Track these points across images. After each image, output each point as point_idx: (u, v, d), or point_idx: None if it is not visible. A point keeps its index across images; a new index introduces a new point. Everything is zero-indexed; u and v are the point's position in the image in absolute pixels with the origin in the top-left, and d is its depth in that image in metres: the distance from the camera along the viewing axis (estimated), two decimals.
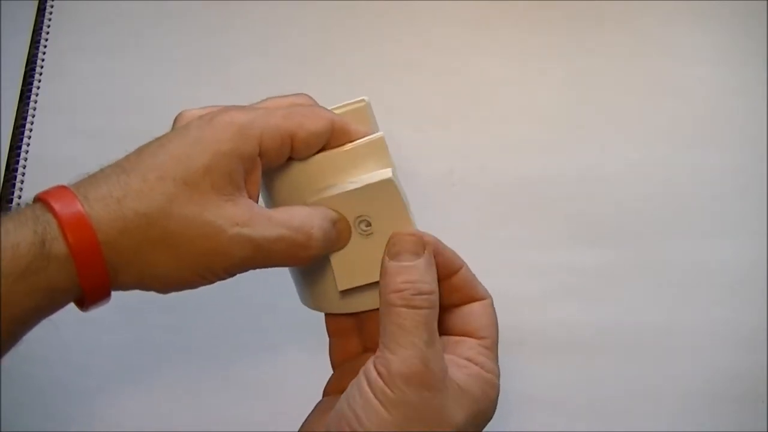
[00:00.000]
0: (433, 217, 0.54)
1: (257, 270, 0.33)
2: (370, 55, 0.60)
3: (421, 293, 0.31)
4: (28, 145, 0.57)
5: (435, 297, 0.32)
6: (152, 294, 0.51)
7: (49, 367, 0.50)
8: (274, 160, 0.33)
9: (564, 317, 0.51)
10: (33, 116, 0.58)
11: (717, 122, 0.57)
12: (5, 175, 0.56)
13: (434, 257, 0.34)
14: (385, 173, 0.32)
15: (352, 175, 0.33)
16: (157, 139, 0.31)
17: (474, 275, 0.35)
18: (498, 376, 0.33)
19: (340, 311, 0.36)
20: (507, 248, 0.53)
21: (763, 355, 0.50)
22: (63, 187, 0.29)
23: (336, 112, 0.35)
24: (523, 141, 0.57)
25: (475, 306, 0.34)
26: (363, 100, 0.36)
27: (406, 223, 0.33)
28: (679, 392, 0.50)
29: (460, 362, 0.32)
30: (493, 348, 0.33)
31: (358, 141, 0.33)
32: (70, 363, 0.50)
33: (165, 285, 0.31)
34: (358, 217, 0.33)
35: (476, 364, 0.32)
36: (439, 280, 0.34)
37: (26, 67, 0.60)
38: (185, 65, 0.60)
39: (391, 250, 0.33)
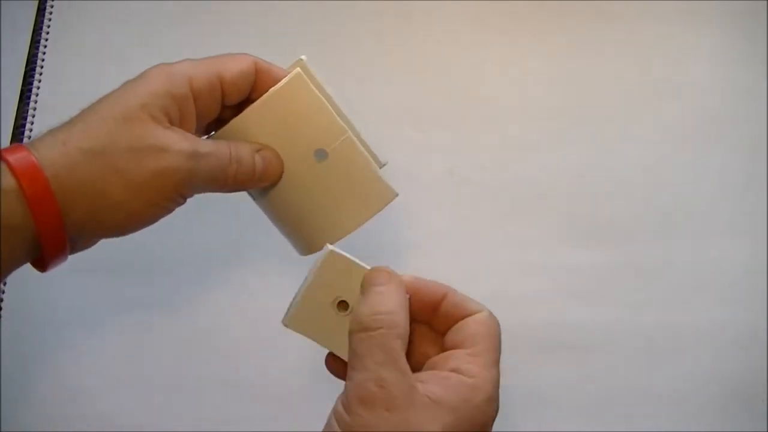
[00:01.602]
0: (433, 217, 0.55)
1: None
2: (369, 55, 0.60)
3: (376, 316, 0.32)
4: None
5: (392, 317, 0.32)
6: (155, 292, 0.51)
7: (49, 367, 0.50)
8: (209, 103, 0.35)
9: (564, 317, 0.51)
10: (33, 116, 0.58)
11: (717, 122, 0.58)
12: None
13: (415, 292, 0.35)
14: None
15: (283, 126, 0.35)
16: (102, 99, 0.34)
17: (464, 296, 0.35)
18: (489, 380, 0.32)
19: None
20: (506, 248, 0.53)
21: (763, 355, 0.50)
22: (18, 144, 0.31)
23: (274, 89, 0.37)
24: (523, 141, 0.57)
25: (468, 320, 0.35)
26: (300, 59, 0.37)
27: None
28: (679, 392, 0.50)
29: (441, 375, 0.32)
30: (483, 354, 0.33)
31: (277, 85, 0.35)
32: (70, 363, 0.50)
33: (120, 220, 0.32)
34: (336, 297, 0.34)
35: (460, 373, 0.32)
36: (428, 311, 0.35)
37: (26, 67, 0.60)
38: None
39: (362, 287, 0.34)
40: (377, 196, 0.37)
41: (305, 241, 0.38)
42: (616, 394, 0.49)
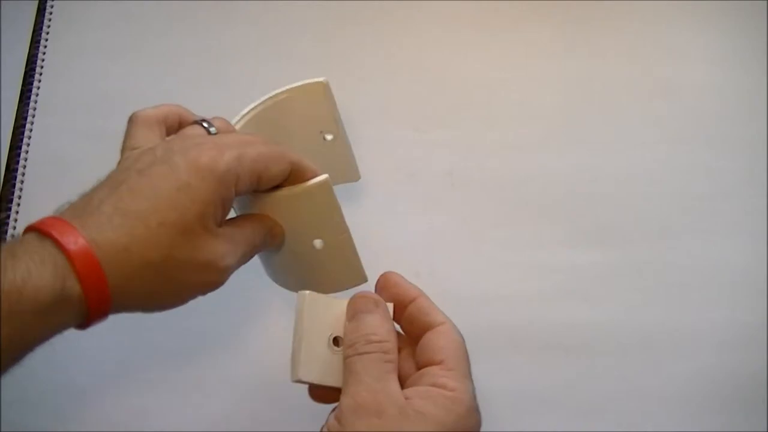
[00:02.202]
0: (433, 217, 0.55)
1: None
2: (369, 55, 0.60)
3: (370, 342, 0.34)
4: (28, 145, 0.57)
5: (387, 344, 0.34)
6: None
7: (49, 367, 0.50)
8: (240, 193, 0.36)
9: (564, 317, 0.51)
10: (33, 116, 0.58)
11: (717, 122, 0.58)
12: (5, 175, 0.56)
13: (391, 288, 0.37)
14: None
15: (300, 213, 0.37)
16: (140, 172, 0.33)
17: (432, 303, 0.37)
18: (467, 390, 0.34)
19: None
20: (507, 248, 0.53)
21: (763, 355, 0.50)
22: (70, 225, 0.31)
23: (294, 86, 0.40)
24: (523, 141, 0.57)
25: (431, 334, 0.36)
26: (321, 82, 0.39)
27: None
28: (679, 392, 0.50)
29: (421, 390, 0.34)
30: (455, 367, 0.34)
31: (307, 184, 0.36)
32: (71, 363, 0.50)
33: (161, 309, 0.35)
34: (329, 335, 0.36)
35: (438, 387, 0.33)
36: (398, 313, 0.36)
37: (26, 67, 0.60)
38: (185, 65, 0.60)
39: (348, 314, 0.36)
40: (350, 280, 0.41)
41: (278, 277, 0.42)
42: (616, 394, 0.49)
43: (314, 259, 0.39)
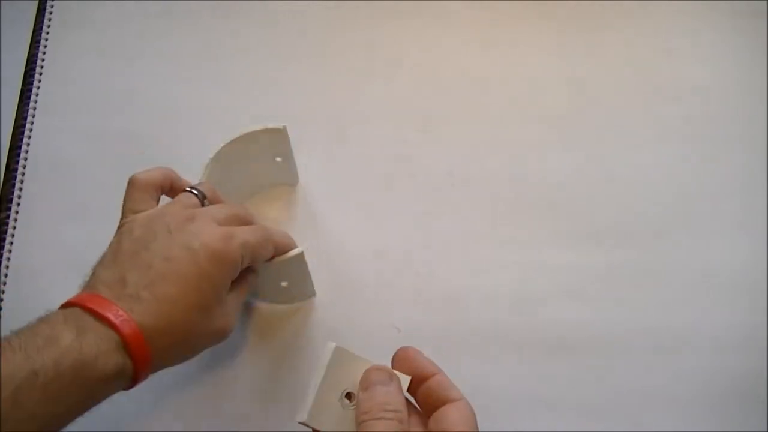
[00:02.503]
0: (433, 217, 0.55)
1: None
2: (370, 55, 0.60)
3: (386, 411, 0.36)
4: (28, 145, 0.57)
5: (401, 414, 0.36)
6: None
7: None
8: None
9: (564, 317, 0.51)
10: (33, 116, 0.58)
11: (717, 122, 0.58)
12: (5, 175, 0.56)
13: (410, 363, 0.39)
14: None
15: (278, 270, 0.47)
16: (167, 259, 0.39)
17: (449, 380, 0.39)
18: None
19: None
20: (507, 248, 0.53)
21: (763, 355, 0.50)
22: (121, 310, 0.37)
23: (257, 129, 0.48)
24: (523, 141, 0.57)
25: (448, 408, 0.37)
26: (280, 129, 0.49)
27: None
28: (679, 392, 0.49)
29: None
30: None
31: (287, 256, 0.45)
32: None
33: (179, 363, 0.41)
34: (343, 390, 0.38)
35: None
36: (415, 385, 0.38)
37: (26, 67, 0.60)
38: (185, 65, 0.60)
39: (363, 384, 0.38)
40: (305, 294, 0.52)
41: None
42: (616, 394, 0.49)
43: (279, 289, 0.49)
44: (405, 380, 0.38)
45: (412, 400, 0.39)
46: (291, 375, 0.50)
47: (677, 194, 0.55)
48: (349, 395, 0.38)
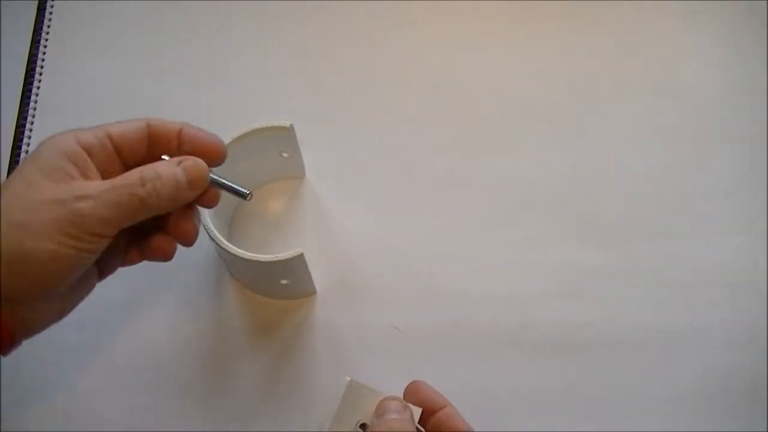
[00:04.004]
0: (434, 216, 0.55)
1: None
2: (370, 54, 0.60)
3: None
4: (28, 145, 0.57)
5: None
6: (156, 292, 0.51)
7: (49, 367, 0.50)
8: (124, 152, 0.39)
9: (564, 317, 0.51)
10: (33, 116, 0.58)
11: (717, 122, 0.58)
12: (5, 175, 0.56)
13: (420, 395, 0.40)
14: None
15: (280, 269, 0.47)
16: None
17: (458, 412, 0.40)
18: None
19: None
20: (507, 248, 0.53)
21: (763, 355, 0.50)
22: None
23: (264, 126, 0.48)
24: (523, 141, 0.57)
25: None
26: (287, 126, 0.49)
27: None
28: (679, 392, 0.50)
29: None
30: None
31: (289, 256, 0.45)
32: (70, 363, 0.50)
33: (44, 271, 0.35)
34: (358, 421, 0.40)
35: None
36: (425, 416, 0.40)
37: (26, 67, 0.60)
38: (185, 65, 0.60)
39: (378, 412, 0.39)
40: (306, 292, 0.52)
41: (245, 284, 0.53)
42: (616, 394, 0.49)
43: (279, 286, 0.49)
44: (416, 411, 0.40)
45: (423, 431, 0.40)
46: (291, 374, 0.50)
47: (677, 194, 0.55)
48: (363, 426, 0.39)
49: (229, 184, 0.41)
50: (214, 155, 0.40)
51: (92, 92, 0.59)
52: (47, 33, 0.61)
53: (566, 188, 0.55)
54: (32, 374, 0.50)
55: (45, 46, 0.60)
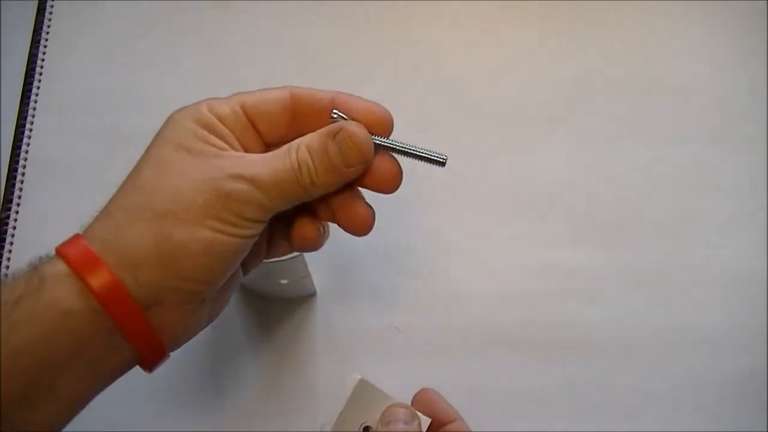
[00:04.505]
0: (434, 216, 0.55)
1: None
2: (370, 55, 0.60)
3: None
4: (28, 145, 0.57)
5: None
6: None
7: None
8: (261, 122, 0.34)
9: (564, 317, 0.51)
10: (33, 116, 0.58)
11: (717, 122, 0.58)
12: (5, 175, 0.56)
13: (431, 405, 0.38)
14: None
15: (279, 270, 0.46)
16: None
17: (468, 426, 0.39)
18: None
19: None
20: (508, 248, 0.53)
21: (763, 355, 0.50)
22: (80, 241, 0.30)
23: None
24: (524, 141, 0.57)
25: None
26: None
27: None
28: (679, 392, 0.50)
29: None
30: None
31: (288, 257, 0.42)
32: None
33: (198, 265, 0.30)
34: (362, 423, 0.38)
35: None
36: (434, 428, 0.38)
37: (26, 67, 0.60)
38: (185, 65, 0.60)
39: (384, 419, 0.37)
40: (305, 292, 0.52)
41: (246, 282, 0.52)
42: (616, 394, 0.49)
43: (278, 286, 0.49)
44: (425, 422, 0.38)
45: None
46: (291, 374, 0.50)
47: (678, 194, 0.55)
48: (367, 429, 0.38)
49: (416, 150, 0.34)
50: (378, 128, 0.34)
51: (92, 92, 0.59)
52: (47, 33, 0.61)
53: (566, 188, 0.55)
54: None
55: (45, 46, 0.60)
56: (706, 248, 0.53)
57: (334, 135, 0.33)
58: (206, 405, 0.49)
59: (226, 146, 0.32)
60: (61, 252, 0.29)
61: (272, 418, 0.49)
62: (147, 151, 0.32)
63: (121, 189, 0.32)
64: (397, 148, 0.34)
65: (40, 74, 0.59)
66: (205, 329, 0.51)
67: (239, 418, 0.49)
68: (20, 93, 0.59)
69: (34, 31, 0.61)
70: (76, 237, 0.30)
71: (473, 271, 0.53)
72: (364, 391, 0.38)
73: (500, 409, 0.49)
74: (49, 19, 0.61)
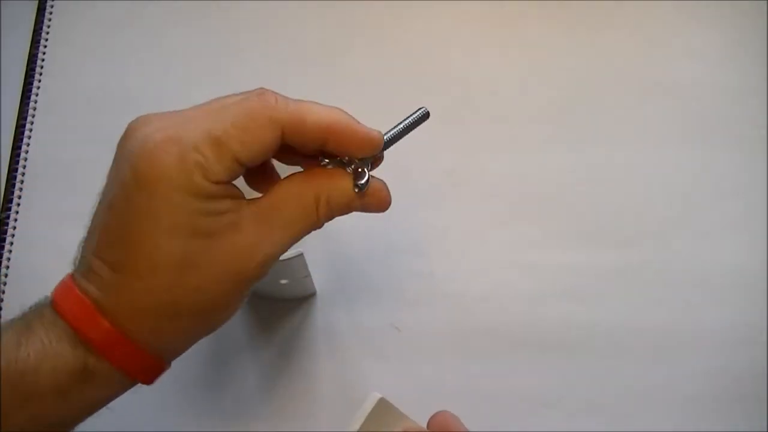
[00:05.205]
0: (434, 216, 0.55)
1: None
2: (370, 54, 0.60)
3: None
4: (28, 145, 0.57)
5: None
6: None
7: None
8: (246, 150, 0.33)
9: (564, 317, 0.51)
10: (33, 116, 0.58)
11: (717, 122, 0.57)
12: (5, 175, 0.56)
13: (447, 429, 0.37)
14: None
15: (280, 270, 0.46)
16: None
17: None
18: None
19: None
20: (507, 248, 0.53)
21: (763, 355, 0.50)
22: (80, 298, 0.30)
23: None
24: (523, 140, 0.57)
25: None
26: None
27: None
28: (679, 392, 0.50)
29: None
30: None
31: (288, 257, 0.43)
32: None
33: (204, 306, 0.32)
34: None
35: None
36: None
37: (26, 67, 0.60)
38: (185, 65, 0.60)
39: None
40: (305, 292, 0.52)
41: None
42: (616, 394, 0.49)
43: (278, 286, 0.49)
44: None
45: None
46: (291, 374, 0.50)
47: (677, 194, 0.55)
48: None
49: (402, 126, 0.37)
50: (372, 153, 0.37)
51: (92, 92, 0.59)
52: (47, 33, 0.61)
53: (566, 188, 0.55)
54: None
55: (45, 46, 0.60)
56: (706, 248, 0.53)
57: (359, 190, 0.35)
58: (206, 405, 0.49)
59: (228, 203, 0.31)
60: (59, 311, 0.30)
61: (272, 418, 0.49)
62: (135, 226, 0.31)
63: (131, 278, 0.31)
64: (395, 139, 0.37)
65: (40, 74, 0.59)
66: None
67: (239, 418, 0.49)
68: (20, 93, 0.59)
69: (34, 30, 0.61)
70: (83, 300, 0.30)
71: (473, 271, 0.53)
72: (382, 410, 0.38)
73: (500, 408, 0.49)
74: (49, 19, 0.61)
